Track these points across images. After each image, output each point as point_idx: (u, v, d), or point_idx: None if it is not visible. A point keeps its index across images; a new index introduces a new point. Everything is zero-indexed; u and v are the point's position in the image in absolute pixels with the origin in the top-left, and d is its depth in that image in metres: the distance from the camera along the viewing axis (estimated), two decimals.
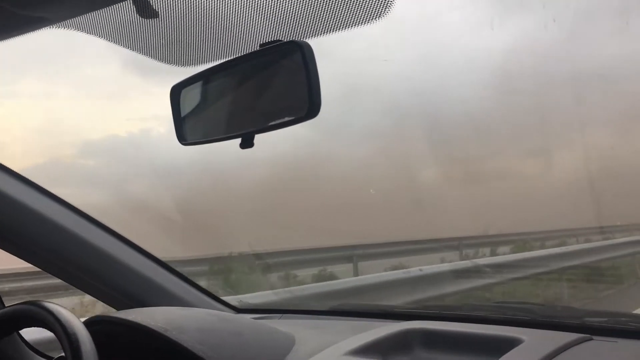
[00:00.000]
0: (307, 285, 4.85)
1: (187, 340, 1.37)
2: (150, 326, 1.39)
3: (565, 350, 1.38)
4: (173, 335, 1.37)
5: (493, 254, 12.70)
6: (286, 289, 5.55)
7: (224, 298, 2.15)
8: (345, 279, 5.62)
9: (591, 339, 1.50)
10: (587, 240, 13.16)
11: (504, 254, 10.24)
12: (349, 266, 10.53)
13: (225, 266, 6.78)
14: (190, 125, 1.20)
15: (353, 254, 11.85)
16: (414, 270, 5.63)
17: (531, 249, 12.96)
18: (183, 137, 1.19)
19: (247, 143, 1.05)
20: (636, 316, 1.99)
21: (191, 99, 1.19)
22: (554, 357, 1.33)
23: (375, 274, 5.81)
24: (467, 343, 1.57)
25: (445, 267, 6.07)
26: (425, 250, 13.11)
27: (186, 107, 1.19)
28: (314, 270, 9.45)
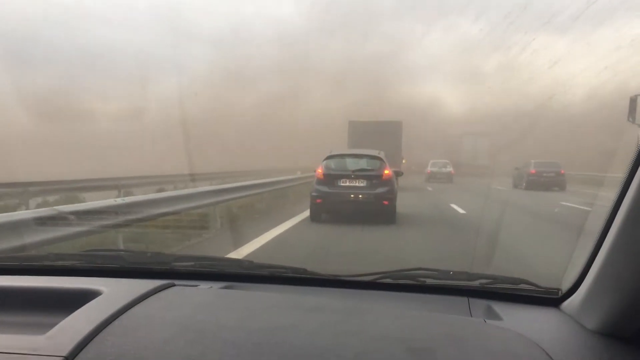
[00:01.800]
0: None
1: None
2: None
3: (145, 299, 1.48)
4: None
5: (79, 200, 12.63)
6: None
7: None
8: None
9: (173, 285, 1.65)
10: (177, 188, 14.49)
11: (91, 200, 10.28)
12: None
13: None
14: None
15: None
16: None
17: (124, 195, 13.45)
18: None
19: None
20: (216, 259, 2.32)
21: None
22: (132, 307, 1.41)
23: None
24: (38, 299, 1.54)
25: (27, 214, 5.69)
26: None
27: None
28: None
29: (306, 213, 12.13)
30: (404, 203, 13.36)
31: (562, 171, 26.97)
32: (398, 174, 12.90)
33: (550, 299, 1.73)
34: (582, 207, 14.64)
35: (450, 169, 34.91)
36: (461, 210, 14.03)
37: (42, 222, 5.46)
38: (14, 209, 10.52)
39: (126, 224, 7.25)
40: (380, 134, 24.72)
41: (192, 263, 2.09)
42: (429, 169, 34.81)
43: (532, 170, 27.15)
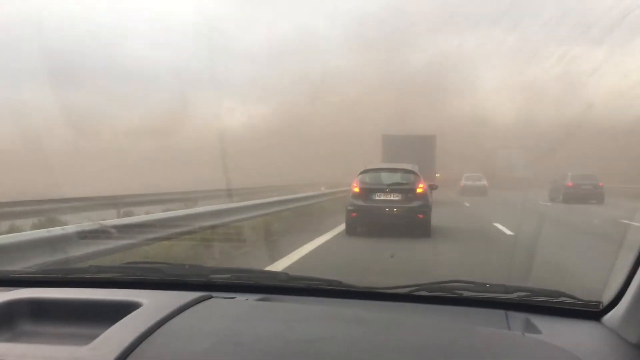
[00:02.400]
0: None
1: None
2: None
3: (184, 310, 1.50)
4: None
5: (127, 214, 12.89)
6: None
7: None
8: None
9: (211, 297, 1.67)
10: (218, 202, 14.60)
11: (139, 214, 10.47)
12: None
13: None
14: None
15: None
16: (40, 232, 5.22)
17: (168, 209, 13.64)
18: None
19: None
20: (253, 271, 2.34)
21: None
22: (172, 318, 1.43)
23: None
24: (81, 310, 1.57)
25: (71, 229, 5.82)
26: (44, 211, 12.33)
27: None
28: None
29: (335, 230, 12.21)
30: (440, 220, 12.92)
31: (600, 184, 26.36)
32: (433, 187, 12.86)
33: (591, 312, 1.69)
34: None
35: (484, 182, 34.46)
36: (508, 231, 12.04)
37: (85, 236, 5.58)
38: (53, 224, 10.78)
39: (170, 237, 7.36)
40: (414, 148, 24.66)
41: (229, 275, 2.10)
42: (462, 182, 34.43)
43: (569, 183, 26.60)
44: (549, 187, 29.05)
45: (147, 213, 10.31)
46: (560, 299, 1.78)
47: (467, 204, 23.29)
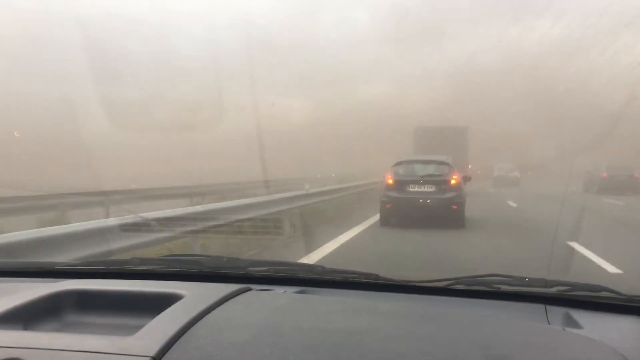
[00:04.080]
0: None
1: None
2: None
3: (224, 302, 1.51)
4: None
5: (162, 207, 13.03)
6: None
7: None
8: None
9: (249, 289, 1.68)
10: (255, 195, 14.56)
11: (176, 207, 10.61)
12: None
13: None
14: None
15: None
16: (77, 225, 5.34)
17: (204, 202, 13.78)
18: None
19: None
20: (290, 264, 2.35)
21: None
22: (213, 309, 1.44)
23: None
24: (124, 302, 1.59)
25: (113, 221, 5.95)
26: (84, 204, 12.53)
27: None
28: None
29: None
30: (484, 239, 10.02)
31: (636, 175, 25.72)
32: (466, 179, 12.76)
33: (634, 308, 1.64)
34: None
35: (517, 173, 33.94)
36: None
37: (127, 228, 5.69)
38: (99, 216, 10.98)
39: (204, 230, 7.43)
40: (446, 139, 24.36)
41: (267, 268, 2.11)
42: (495, 173, 33.98)
43: (604, 174, 26.01)
44: (583, 178, 28.36)
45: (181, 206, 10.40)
46: (601, 293, 1.73)
47: (513, 204, 18.23)
